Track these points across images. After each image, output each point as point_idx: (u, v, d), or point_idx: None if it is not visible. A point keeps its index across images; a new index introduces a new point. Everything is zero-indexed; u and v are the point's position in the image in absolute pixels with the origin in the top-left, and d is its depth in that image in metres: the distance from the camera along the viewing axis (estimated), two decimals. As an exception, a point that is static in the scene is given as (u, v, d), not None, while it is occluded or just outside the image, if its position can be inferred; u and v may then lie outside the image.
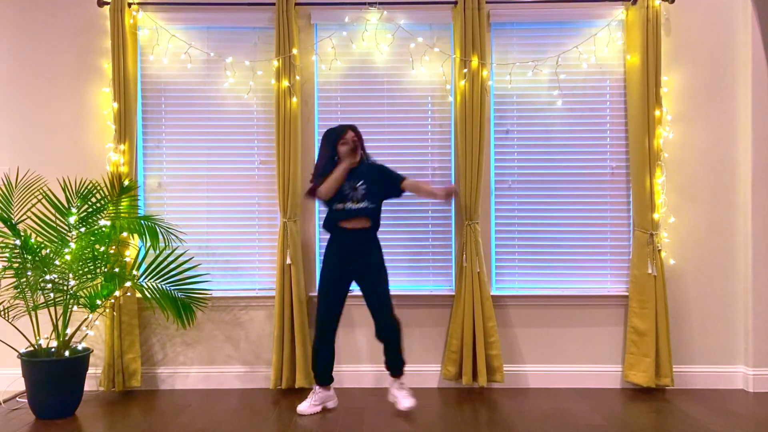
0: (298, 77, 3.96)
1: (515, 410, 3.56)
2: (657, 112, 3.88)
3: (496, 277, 4.10)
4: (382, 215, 3.62)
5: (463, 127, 3.91)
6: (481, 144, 3.90)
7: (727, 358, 3.99)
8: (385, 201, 3.64)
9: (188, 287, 3.74)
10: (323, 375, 3.59)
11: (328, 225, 3.60)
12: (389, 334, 3.51)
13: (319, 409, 3.56)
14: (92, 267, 3.62)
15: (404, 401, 3.47)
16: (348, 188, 3.52)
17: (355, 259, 3.53)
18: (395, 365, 3.56)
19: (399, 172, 3.64)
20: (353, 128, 3.61)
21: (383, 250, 3.59)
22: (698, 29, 4.00)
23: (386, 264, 3.59)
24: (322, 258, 3.64)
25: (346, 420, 3.42)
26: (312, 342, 3.62)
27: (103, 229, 3.65)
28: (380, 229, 3.65)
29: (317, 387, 3.60)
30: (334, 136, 3.57)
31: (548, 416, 3.46)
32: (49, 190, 3.66)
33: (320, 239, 4.12)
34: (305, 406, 3.53)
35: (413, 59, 4.05)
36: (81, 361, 3.60)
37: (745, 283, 3.97)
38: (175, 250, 3.75)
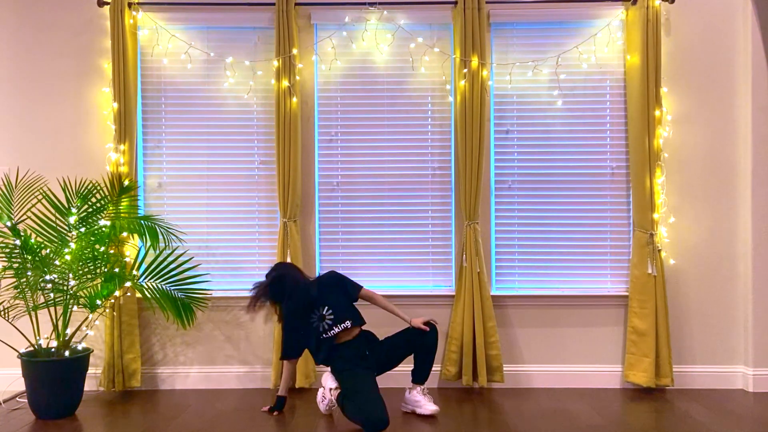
0: (298, 77, 3.96)
1: (515, 410, 3.56)
2: (657, 112, 3.88)
3: (496, 277, 4.10)
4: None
5: (463, 127, 3.91)
6: (481, 144, 3.90)
7: (727, 358, 3.99)
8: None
9: (188, 287, 3.74)
10: None
11: (322, 358, 3.47)
12: (430, 347, 3.51)
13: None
14: (92, 267, 3.63)
15: (429, 406, 3.46)
16: (316, 320, 3.44)
17: (366, 358, 3.45)
18: (424, 375, 3.54)
19: (355, 283, 3.52)
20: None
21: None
22: (698, 29, 4.00)
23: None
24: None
25: (346, 420, 3.41)
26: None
27: (103, 229, 3.65)
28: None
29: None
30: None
31: (548, 416, 3.46)
32: (49, 190, 3.66)
33: (320, 239, 4.12)
34: (324, 407, 3.50)
35: (413, 59, 4.05)
36: (81, 361, 3.60)
37: (745, 283, 3.97)
38: (175, 250, 3.75)
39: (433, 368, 3.98)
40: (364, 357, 3.44)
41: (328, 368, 3.52)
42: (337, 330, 3.42)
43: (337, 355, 3.44)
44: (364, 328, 3.53)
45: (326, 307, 3.45)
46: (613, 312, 4.04)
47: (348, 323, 3.43)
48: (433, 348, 3.52)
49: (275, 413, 3.48)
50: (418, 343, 3.49)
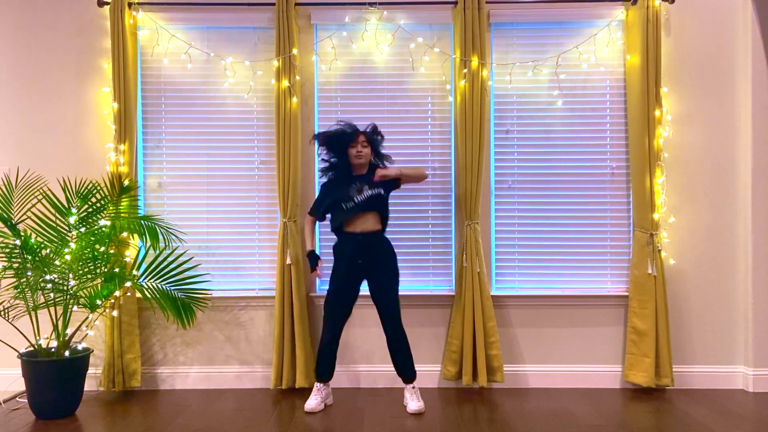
0: (298, 77, 3.96)
1: (515, 410, 3.56)
2: (657, 112, 3.88)
3: (496, 277, 4.10)
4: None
5: (463, 127, 3.91)
6: (481, 144, 3.90)
7: (727, 358, 3.99)
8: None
9: (188, 287, 3.74)
10: (329, 372, 3.63)
11: (333, 226, 3.64)
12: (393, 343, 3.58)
13: (323, 406, 3.59)
14: (92, 267, 3.63)
15: (411, 404, 3.50)
16: (354, 190, 3.55)
17: (364, 259, 3.55)
18: (399, 369, 3.60)
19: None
20: (366, 133, 3.62)
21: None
22: (698, 29, 4.00)
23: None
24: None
25: (346, 420, 3.42)
26: (321, 340, 3.63)
27: (103, 229, 3.65)
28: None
29: (321, 384, 3.61)
30: (346, 139, 3.59)
31: (548, 416, 3.46)
32: (49, 190, 3.66)
33: (320, 239, 4.12)
34: (314, 404, 3.55)
35: (413, 59, 4.05)
36: (81, 361, 3.60)
37: (745, 283, 3.97)
38: (175, 250, 3.75)
39: (434, 368, 4.01)
40: (355, 262, 3.54)
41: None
42: (362, 197, 3.51)
43: (341, 239, 3.61)
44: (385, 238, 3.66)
45: (366, 187, 3.56)
46: (613, 312, 4.04)
47: (378, 189, 3.53)
48: (390, 330, 3.56)
49: (316, 270, 3.68)
50: (379, 312, 3.59)
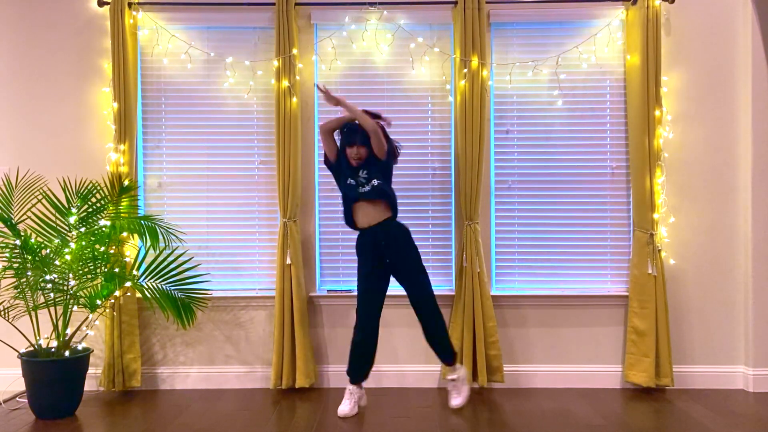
0: (298, 77, 3.96)
1: (515, 410, 3.56)
2: (657, 112, 3.88)
3: (496, 277, 4.10)
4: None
5: (463, 127, 3.91)
6: (481, 144, 3.90)
7: (727, 358, 3.99)
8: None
9: (188, 287, 3.74)
10: (362, 374, 3.57)
11: (347, 221, 3.61)
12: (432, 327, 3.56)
13: (357, 409, 3.52)
14: (92, 267, 3.63)
15: (452, 400, 3.52)
16: (351, 177, 3.53)
17: (385, 251, 3.52)
18: (439, 351, 3.58)
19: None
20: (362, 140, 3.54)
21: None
22: (698, 29, 4.00)
23: None
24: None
25: (346, 419, 3.42)
26: (354, 340, 3.56)
27: (103, 229, 3.65)
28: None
29: (353, 387, 3.56)
30: (347, 140, 3.58)
31: (548, 416, 3.46)
32: (49, 190, 3.66)
33: (320, 239, 4.12)
34: (347, 409, 3.48)
35: (413, 59, 4.05)
36: (81, 361, 3.60)
37: (745, 283, 3.97)
38: (175, 250, 3.75)
39: (434, 368, 4.00)
40: (378, 248, 3.50)
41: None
42: (367, 188, 3.48)
43: (359, 234, 3.57)
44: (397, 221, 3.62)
45: (366, 171, 3.53)
46: (613, 312, 4.03)
47: (376, 181, 3.50)
48: (426, 307, 3.53)
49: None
50: (413, 300, 3.56)
